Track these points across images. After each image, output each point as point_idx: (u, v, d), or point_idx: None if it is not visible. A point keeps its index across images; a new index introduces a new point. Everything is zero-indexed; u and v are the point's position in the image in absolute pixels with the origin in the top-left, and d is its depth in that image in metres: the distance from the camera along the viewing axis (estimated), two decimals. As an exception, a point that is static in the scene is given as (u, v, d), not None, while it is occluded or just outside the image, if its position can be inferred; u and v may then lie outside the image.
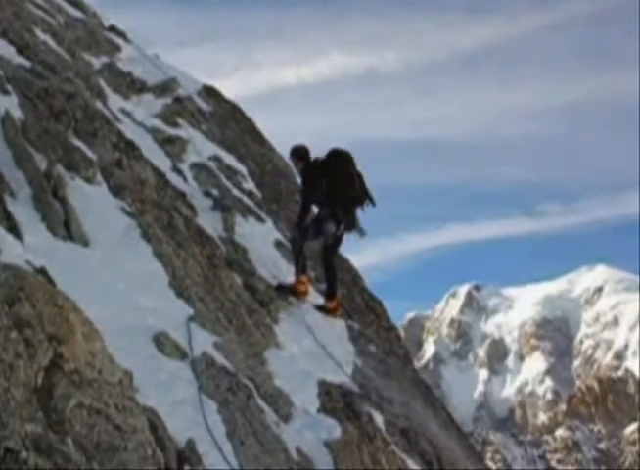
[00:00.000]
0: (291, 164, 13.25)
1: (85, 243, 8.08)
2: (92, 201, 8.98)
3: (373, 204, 11.71)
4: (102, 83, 14.42)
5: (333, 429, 7.73)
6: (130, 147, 11.28)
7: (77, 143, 9.95)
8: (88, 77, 13.70)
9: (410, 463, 8.54)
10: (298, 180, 13.15)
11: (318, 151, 11.82)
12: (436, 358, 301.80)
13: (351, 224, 11.70)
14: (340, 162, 11.55)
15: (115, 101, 14.29)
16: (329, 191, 11.38)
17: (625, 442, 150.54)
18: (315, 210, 11.83)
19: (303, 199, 11.89)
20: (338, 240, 11.89)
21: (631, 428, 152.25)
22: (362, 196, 11.62)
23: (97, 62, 16.31)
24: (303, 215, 11.64)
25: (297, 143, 12.22)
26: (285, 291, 11.25)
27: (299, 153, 12.02)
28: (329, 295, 11.81)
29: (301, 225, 11.59)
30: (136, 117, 14.40)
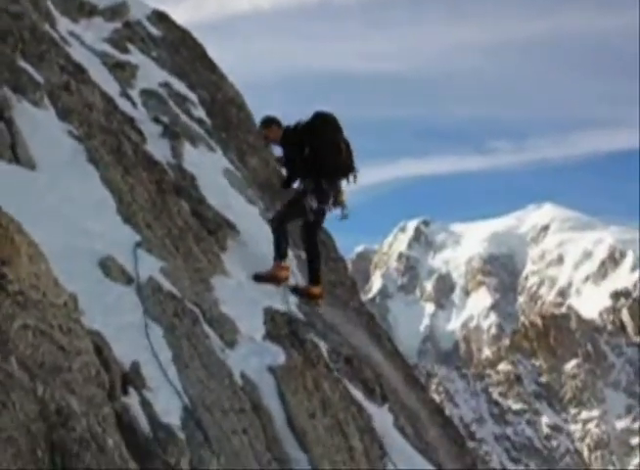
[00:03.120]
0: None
1: (32, 166, 8.00)
2: (39, 124, 8.86)
3: (355, 179, 10.41)
4: (50, 5, 14.10)
5: (277, 355, 7.80)
6: (78, 70, 11.11)
7: (24, 65, 9.77)
8: (36, -1, 13.40)
9: (353, 389, 8.69)
10: (277, 151, 11.80)
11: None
12: (384, 292, 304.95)
13: (337, 199, 10.40)
14: (327, 128, 10.26)
15: (64, 24, 13.99)
16: (313, 161, 10.14)
17: (566, 376, 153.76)
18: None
19: (288, 171, 10.80)
20: (321, 216, 10.63)
21: (572, 363, 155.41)
22: (349, 167, 10.35)
23: (45, -17, 15.94)
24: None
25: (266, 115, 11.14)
26: (264, 280, 9.98)
27: (275, 121, 10.87)
28: (313, 279, 10.66)
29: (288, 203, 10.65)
30: (85, 41, 14.14)
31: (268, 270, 10.19)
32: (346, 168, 10.33)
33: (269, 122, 10.95)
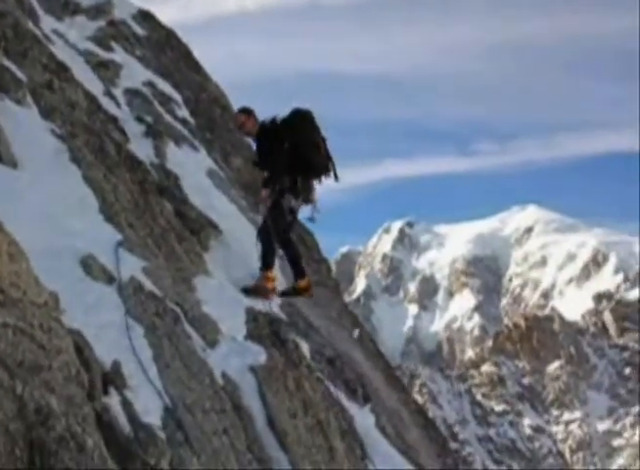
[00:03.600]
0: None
1: (14, 165, 7.97)
2: (21, 122, 8.83)
3: (336, 177, 10.36)
4: (34, 3, 14.05)
5: (259, 355, 7.79)
6: (62, 69, 11.06)
7: (7, 63, 9.73)
8: (20, -4, 13.34)
9: (334, 390, 8.69)
10: (252, 145, 11.67)
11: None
12: (367, 293, 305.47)
13: (307, 197, 10.30)
14: (306, 125, 10.21)
15: (48, 22, 13.95)
16: (292, 158, 10.01)
17: (548, 378, 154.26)
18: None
19: (261, 167, 10.61)
20: (294, 214, 10.48)
21: (554, 365, 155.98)
22: (326, 165, 10.30)
23: (29, -19, 15.87)
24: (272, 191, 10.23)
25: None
26: (253, 293, 9.70)
27: (251, 111, 10.72)
28: (298, 273, 10.62)
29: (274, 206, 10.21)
30: (69, 40, 14.09)
31: (255, 283, 10.02)
32: (325, 166, 10.30)
33: (248, 112, 10.79)
